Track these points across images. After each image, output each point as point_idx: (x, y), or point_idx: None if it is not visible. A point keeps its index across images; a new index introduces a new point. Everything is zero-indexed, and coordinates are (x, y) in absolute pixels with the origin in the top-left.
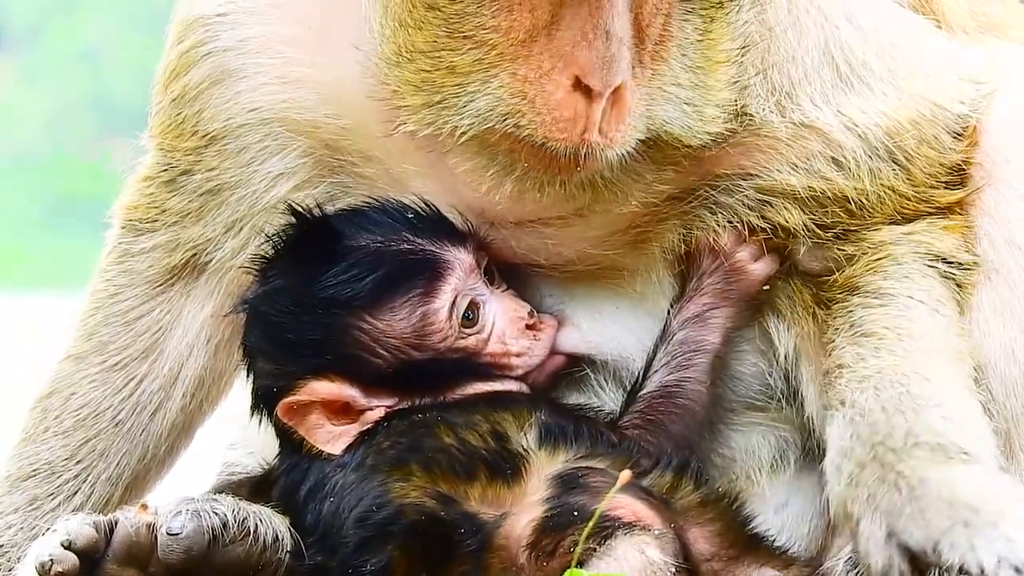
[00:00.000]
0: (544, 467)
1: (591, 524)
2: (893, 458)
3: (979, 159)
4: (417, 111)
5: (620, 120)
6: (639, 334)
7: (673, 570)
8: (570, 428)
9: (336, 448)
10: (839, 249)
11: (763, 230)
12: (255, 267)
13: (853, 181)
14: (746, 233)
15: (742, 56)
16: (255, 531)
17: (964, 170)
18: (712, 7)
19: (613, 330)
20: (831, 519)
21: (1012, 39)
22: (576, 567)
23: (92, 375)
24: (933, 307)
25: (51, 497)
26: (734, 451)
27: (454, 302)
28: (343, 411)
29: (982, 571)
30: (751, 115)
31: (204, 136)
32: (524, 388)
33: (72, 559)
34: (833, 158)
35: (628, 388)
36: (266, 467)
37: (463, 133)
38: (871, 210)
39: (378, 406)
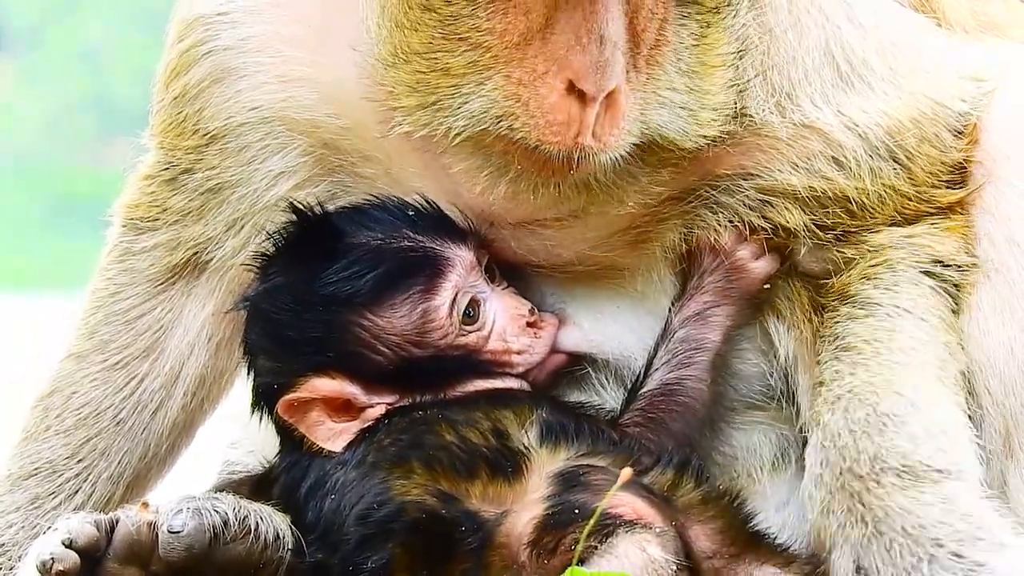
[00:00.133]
0: (545, 465)
1: (592, 522)
2: (860, 486)
3: (979, 157)
4: (412, 112)
5: (614, 124)
6: (640, 333)
7: (674, 568)
8: (571, 426)
9: (337, 445)
10: (839, 251)
11: (764, 230)
12: (256, 265)
13: (854, 181)
14: (747, 232)
15: (739, 60)
16: (256, 529)
17: (965, 168)
18: (708, 12)
19: (614, 329)
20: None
21: (1012, 38)
22: (577, 565)
23: (93, 374)
24: (919, 317)
25: (52, 496)
26: (735, 449)
27: (455, 299)
28: (344, 408)
29: None
30: (751, 116)
31: (205, 135)
32: (525, 386)
33: (73, 558)
34: (834, 158)
35: (629, 386)
36: (267, 465)
37: (457, 135)
38: (872, 210)
39: (379, 403)
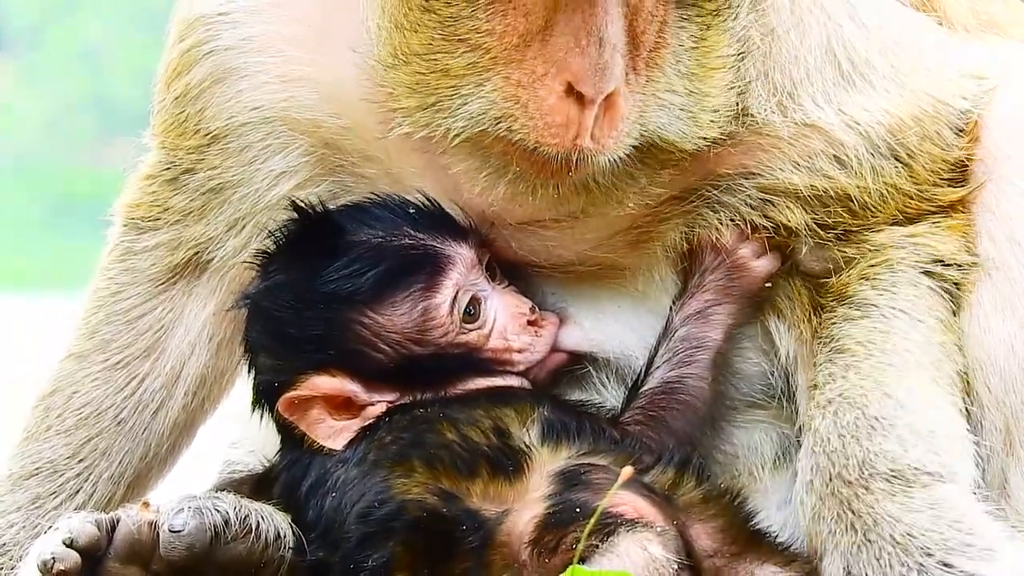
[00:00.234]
0: (546, 463)
1: (592, 521)
2: (849, 493)
3: (980, 155)
4: (412, 113)
5: (613, 126)
6: (641, 332)
7: (675, 567)
8: (572, 424)
9: (337, 444)
10: (840, 250)
11: (765, 229)
12: (257, 262)
13: (855, 179)
14: (748, 231)
15: (739, 61)
16: (257, 528)
17: (966, 167)
18: (708, 14)
19: (615, 328)
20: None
21: (1013, 37)
22: (578, 563)
23: (94, 373)
24: (916, 318)
25: (53, 496)
26: (737, 448)
27: (455, 297)
28: (344, 406)
29: None
30: (753, 115)
31: (206, 135)
32: (526, 384)
33: (74, 557)
34: (835, 156)
35: (630, 385)
36: (267, 464)
37: (456, 136)
38: (874, 209)
39: (380, 401)
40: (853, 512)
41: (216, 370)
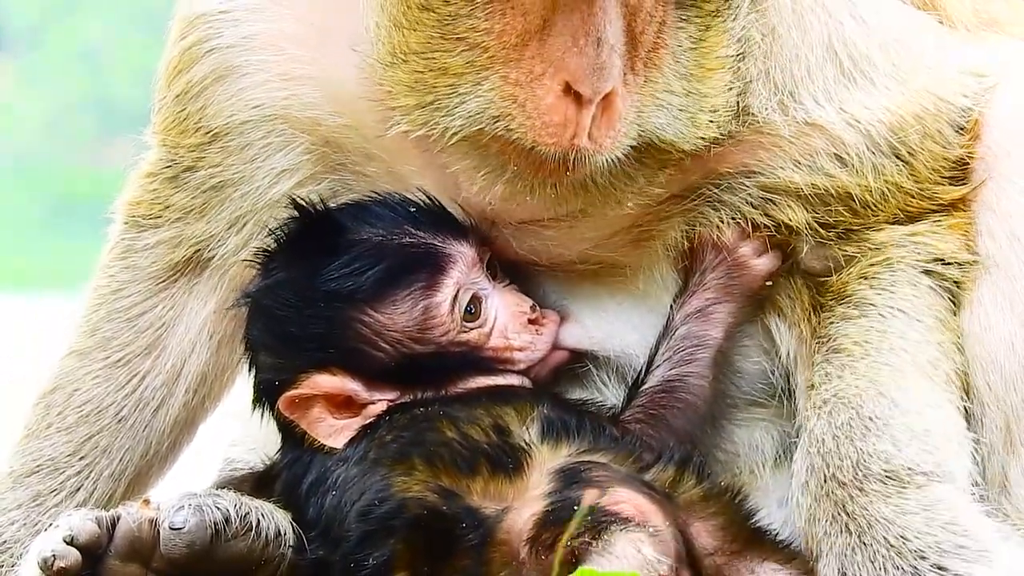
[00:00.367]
0: (546, 461)
1: (576, 520)
2: (843, 494)
3: (981, 153)
4: (410, 112)
5: (610, 126)
6: (642, 330)
7: (667, 568)
8: (572, 422)
9: (338, 442)
10: (841, 249)
11: (766, 228)
12: (258, 260)
13: (856, 178)
14: (749, 230)
15: (739, 62)
16: (257, 526)
17: (967, 165)
18: (707, 15)
19: (616, 326)
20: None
21: (1014, 35)
22: (572, 561)
23: (95, 371)
24: (914, 317)
25: (54, 493)
26: (737, 446)
27: (456, 296)
28: (345, 405)
29: None
30: (754, 114)
31: (207, 132)
32: (526, 382)
33: (74, 554)
34: (836, 155)
35: (631, 383)
36: (268, 462)
37: (454, 134)
38: (875, 208)
39: (380, 400)
40: (847, 514)
41: (217, 368)
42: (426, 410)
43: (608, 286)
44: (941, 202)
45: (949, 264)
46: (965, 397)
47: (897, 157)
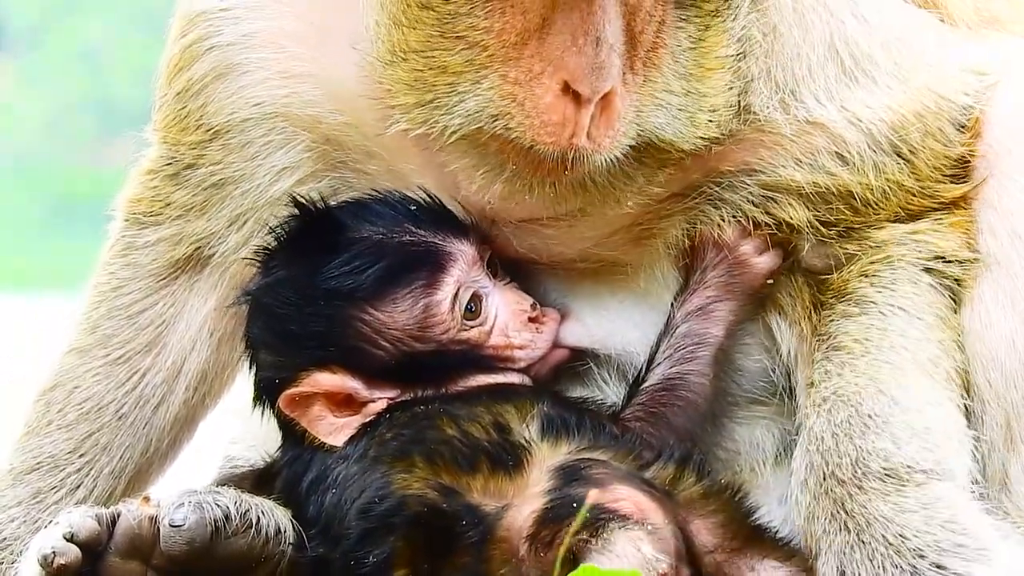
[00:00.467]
0: (546, 459)
1: (580, 518)
2: (842, 492)
3: (982, 151)
4: (410, 110)
5: (609, 126)
6: (644, 328)
7: (665, 566)
8: (572, 420)
9: (338, 440)
10: (842, 247)
11: (767, 226)
12: (258, 258)
13: (858, 176)
14: (750, 228)
15: (738, 62)
16: (257, 523)
17: (968, 163)
18: (707, 15)
19: (617, 325)
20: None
21: (1015, 33)
22: (569, 558)
23: (95, 368)
24: (914, 315)
25: (54, 490)
26: (738, 444)
27: (456, 294)
28: (345, 403)
29: None
30: (755, 113)
31: (208, 130)
32: (526, 381)
33: (75, 551)
34: (838, 153)
35: (631, 381)
36: (268, 460)
37: (453, 133)
38: (876, 206)
39: (380, 398)
40: (847, 512)
41: (217, 365)
42: (426, 408)
43: (609, 284)
44: (942, 200)
45: (950, 262)
46: (966, 395)
47: (898, 155)
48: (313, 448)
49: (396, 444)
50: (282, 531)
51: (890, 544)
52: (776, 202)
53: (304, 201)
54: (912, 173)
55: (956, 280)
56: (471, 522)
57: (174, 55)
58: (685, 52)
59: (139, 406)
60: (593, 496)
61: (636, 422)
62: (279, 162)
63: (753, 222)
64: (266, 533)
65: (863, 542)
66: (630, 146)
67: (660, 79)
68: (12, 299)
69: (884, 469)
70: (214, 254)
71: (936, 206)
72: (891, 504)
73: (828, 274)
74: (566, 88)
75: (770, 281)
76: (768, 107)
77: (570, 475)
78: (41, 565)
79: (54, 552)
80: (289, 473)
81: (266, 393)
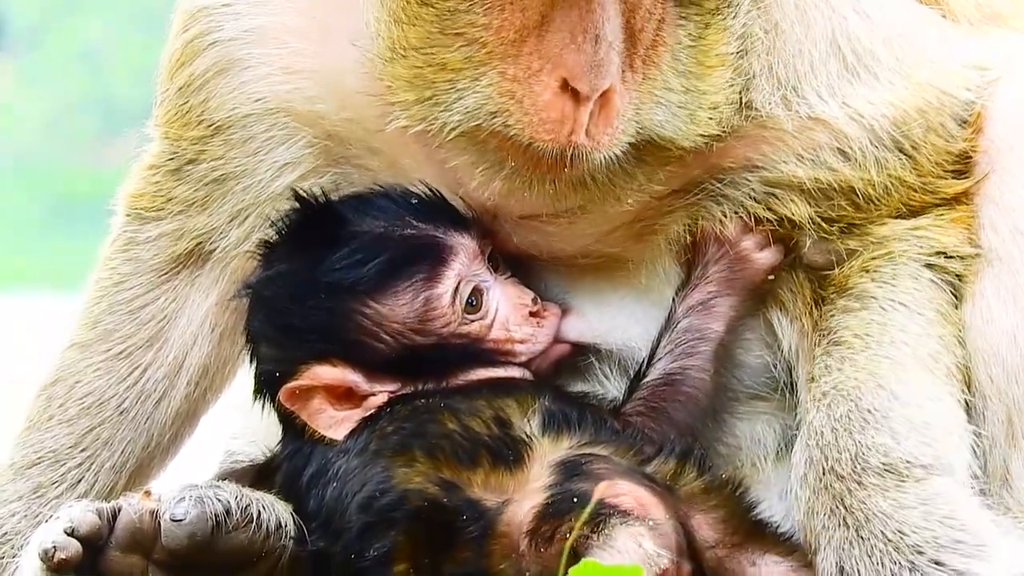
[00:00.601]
0: (547, 454)
1: (584, 515)
2: (842, 487)
3: (984, 147)
4: (409, 107)
5: (608, 123)
6: (645, 324)
7: (666, 562)
8: (573, 415)
9: (339, 433)
10: (843, 243)
11: (769, 222)
12: (259, 252)
13: (860, 172)
14: (752, 224)
15: (740, 59)
16: (258, 517)
17: (970, 159)
18: (707, 13)
19: (618, 320)
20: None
21: (1016, 29)
22: (571, 554)
23: (97, 363)
24: (915, 310)
25: (55, 485)
26: (739, 439)
27: (457, 288)
28: (346, 396)
29: None
30: (757, 109)
31: (210, 125)
32: (527, 375)
33: (75, 546)
34: (839, 149)
35: (632, 376)
36: (269, 454)
37: (452, 129)
38: (878, 202)
39: (381, 391)
40: (846, 507)
41: (218, 360)
42: (427, 402)
43: (610, 279)
44: (944, 196)
45: (951, 258)
46: (966, 390)
47: (900, 151)
48: (313, 442)
49: (397, 438)
50: (283, 525)
51: (889, 540)
52: (778, 198)
53: (305, 195)
54: (914, 169)
55: (957, 276)
56: (472, 517)
57: (176, 50)
58: (685, 50)
59: (140, 401)
60: (599, 491)
61: (637, 417)
62: (280, 158)
63: (755, 218)
64: (267, 527)
65: (862, 538)
66: (630, 144)
67: (660, 77)
68: (12, 299)
69: (883, 464)
70: (215, 249)
71: (938, 202)
72: (890, 500)
73: (829, 270)
74: (565, 85)
75: (771, 277)
76: (770, 103)
77: (571, 470)
78: (42, 559)
79: (55, 546)
80: (289, 467)
81: (266, 386)
